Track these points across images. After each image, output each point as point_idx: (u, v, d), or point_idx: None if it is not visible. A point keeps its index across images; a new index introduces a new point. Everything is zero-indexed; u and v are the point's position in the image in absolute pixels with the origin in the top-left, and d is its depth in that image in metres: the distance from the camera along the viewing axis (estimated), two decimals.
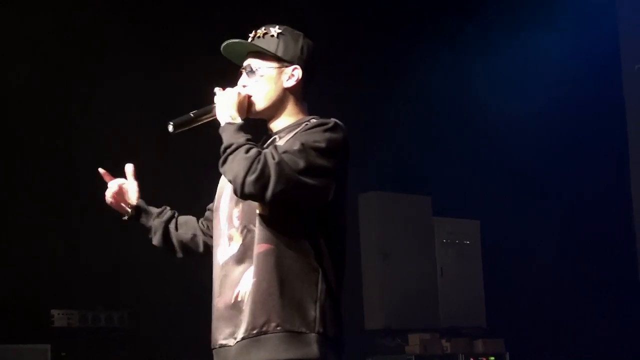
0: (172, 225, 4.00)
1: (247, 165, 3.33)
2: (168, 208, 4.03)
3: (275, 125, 3.71)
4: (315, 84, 3.78)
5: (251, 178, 3.30)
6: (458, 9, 9.47)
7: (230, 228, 3.62)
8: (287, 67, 3.66)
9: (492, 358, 9.03)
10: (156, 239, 4.01)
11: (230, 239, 3.61)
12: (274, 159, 3.33)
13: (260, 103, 3.67)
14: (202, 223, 4.01)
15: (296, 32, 3.75)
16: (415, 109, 9.47)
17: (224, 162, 3.44)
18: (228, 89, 3.68)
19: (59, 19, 7.62)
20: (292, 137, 3.54)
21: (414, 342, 8.90)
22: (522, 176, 9.70)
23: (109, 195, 3.95)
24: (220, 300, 3.58)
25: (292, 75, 3.66)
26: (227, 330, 3.51)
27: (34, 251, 7.51)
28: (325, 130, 3.46)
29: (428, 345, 8.89)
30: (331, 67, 9.01)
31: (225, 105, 3.61)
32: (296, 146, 3.39)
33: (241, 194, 3.39)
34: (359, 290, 9.14)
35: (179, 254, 4.03)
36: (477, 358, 8.97)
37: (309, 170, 3.36)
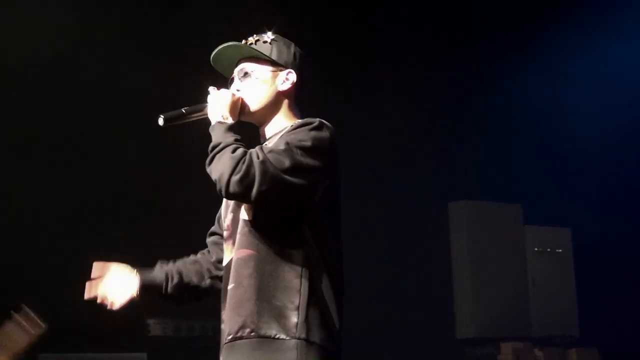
0: (189, 286, 3.80)
1: (233, 165, 3.31)
2: (171, 273, 3.83)
3: (267, 130, 3.69)
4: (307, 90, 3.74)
5: (236, 178, 3.28)
6: (551, 18, 9.40)
7: (225, 236, 3.61)
8: (281, 70, 3.66)
9: None
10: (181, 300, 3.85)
11: (226, 245, 3.59)
12: (258, 158, 3.31)
13: (254, 104, 3.67)
14: (209, 257, 3.85)
15: (287, 39, 3.76)
16: (506, 118, 9.42)
17: (211, 161, 3.42)
18: (222, 90, 3.67)
19: None
20: (278, 138, 3.51)
21: (507, 351, 8.86)
22: (613, 184, 9.60)
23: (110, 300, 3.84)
24: (222, 304, 3.56)
25: (287, 79, 3.66)
26: (223, 334, 3.49)
27: (130, 262, 7.80)
28: (311, 130, 3.44)
29: (521, 355, 8.86)
30: (420, 77, 9.09)
31: (218, 105, 3.60)
32: (281, 146, 3.38)
33: (226, 194, 3.36)
34: (449, 299, 9.14)
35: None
36: None
37: (294, 169, 3.33)
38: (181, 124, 3.68)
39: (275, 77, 3.68)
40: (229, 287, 3.48)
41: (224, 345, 3.49)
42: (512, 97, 9.34)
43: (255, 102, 3.68)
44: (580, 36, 9.33)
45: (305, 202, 3.42)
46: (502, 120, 9.41)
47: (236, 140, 3.44)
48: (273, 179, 3.29)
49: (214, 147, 3.44)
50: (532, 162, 9.41)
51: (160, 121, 3.62)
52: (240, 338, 3.40)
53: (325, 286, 3.41)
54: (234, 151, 3.36)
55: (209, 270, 3.82)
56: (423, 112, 9.08)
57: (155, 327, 7.94)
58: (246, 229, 3.47)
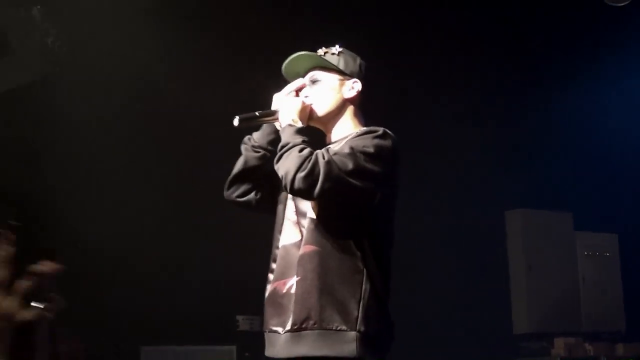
0: (242, 186, 3.87)
1: (299, 163, 3.36)
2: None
3: (333, 134, 3.77)
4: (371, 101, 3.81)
5: (301, 175, 3.34)
6: (598, 46, 9.40)
7: (291, 215, 3.68)
8: (348, 79, 3.76)
9: None
10: (246, 158, 3.86)
11: (292, 224, 3.67)
12: (324, 158, 3.36)
13: (322, 110, 3.75)
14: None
15: (352, 53, 3.86)
16: (559, 134, 9.63)
17: (279, 159, 3.49)
18: (291, 96, 3.76)
19: None
20: (343, 143, 3.57)
21: (560, 345, 9.07)
22: None
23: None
24: (275, 284, 3.64)
25: (352, 87, 3.75)
26: (277, 318, 3.57)
27: (221, 265, 7.99)
28: (375, 137, 3.49)
29: (572, 349, 9.05)
30: (481, 90, 9.16)
31: (288, 110, 3.67)
32: (346, 149, 3.44)
33: (290, 190, 3.41)
34: (507, 299, 9.40)
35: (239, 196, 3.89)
36: None
37: (357, 172, 3.39)
38: (253, 126, 3.80)
39: (342, 85, 3.76)
40: (296, 278, 3.53)
41: (287, 333, 3.52)
42: (565, 114, 9.46)
43: (323, 107, 3.75)
44: (623, 62, 9.43)
45: (365, 204, 3.48)
46: (555, 135, 9.63)
47: (304, 141, 3.49)
48: (336, 178, 3.35)
49: (282, 147, 3.51)
50: (582, 174, 9.55)
51: (235, 121, 3.66)
52: (305, 329, 3.46)
53: (380, 284, 3.51)
54: (301, 150, 3.41)
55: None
56: (483, 127, 9.20)
57: (243, 322, 8.24)
58: (312, 226, 3.54)
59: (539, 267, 9.41)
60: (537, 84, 9.57)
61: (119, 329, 7.75)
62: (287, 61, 3.81)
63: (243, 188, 3.88)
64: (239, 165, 3.87)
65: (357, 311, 3.43)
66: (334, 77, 3.77)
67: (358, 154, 3.43)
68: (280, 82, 3.88)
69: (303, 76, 3.84)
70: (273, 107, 3.76)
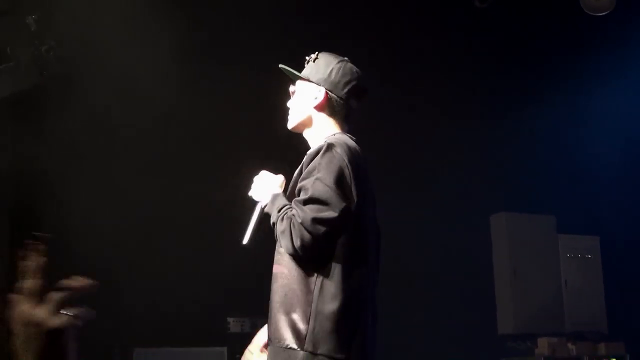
0: None
1: (287, 236, 3.45)
2: None
3: (310, 142, 3.86)
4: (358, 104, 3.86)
5: (298, 245, 3.43)
6: (582, 45, 9.32)
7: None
8: (314, 88, 3.82)
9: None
10: None
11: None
12: (299, 218, 3.43)
13: (291, 120, 3.87)
14: None
15: (334, 57, 3.87)
16: (541, 139, 9.66)
17: (278, 239, 3.57)
18: (263, 174, 3.81)
19: None
20: (302, 172, 3.60)
21: (543, 345, 9.07)
22: (637, 197, 9.65)
23: None
24: None
25: (317, 96, 3.80)
26: None
27: (211, 267, 7.99)
28: (322, 156, 3.54)
29: (556, 348, 9.05)
30: (462, 96, 9.11)
31: (260, 190, 3.75)
32: (307, 189, 3.49)
33: (303, 258, 3.49)
34: (492, 300, 9.43)
35: None
36: None
37: (328, 202, 3.44)
38: (261, 230, 3.77)
39: (308, 95, 3.83)
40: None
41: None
42: (548, 119, 9.47)
43: (292, 118, 3.87)
44: (606, 70, 9.45)
45: (349, 223, 3.51)
46: (537, 141, 9.66)
47: (279, 209, 3.56)
48: (318, 225, 3.41)
49: (273, 224, 3.59)
50: (564, 178, 9.59)
51: (246, 243, 3.74)
52: (267, 346, 3.60)
53: (340, 300, 3.45)
54: (281, 222, 3.50)
55: None
56: (467, 132, 9.24)
57: (234, 324, 8.29)
58: (277, 247, 3.63)
59: (523, 269, 9.44)
60: (521, 91, 9.58)
61: (111, 331, 7.72)
62: (280, 67, 3.90)
63: None
64: None
65: (306, 330, 3.45)
66: (303, 88, 3.86)
67: (316, 184, 3.49)
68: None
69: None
70: (256, 201, 3.79)
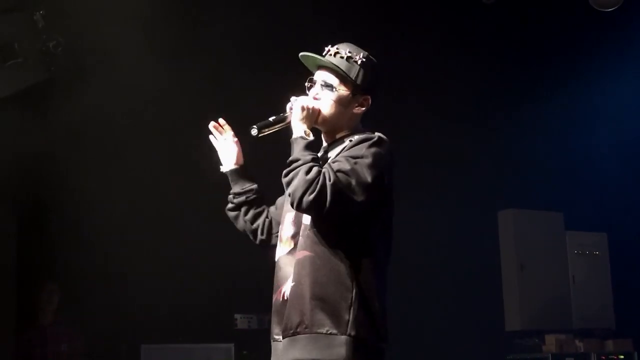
0: (243, 210, 4.02)
1: (307, 185, 3.38)
2: (254, 190, 4.02)
3: (329, 137, 3.77)
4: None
5: (309, 198, 3.36)
6: (591, 41, 9.26)
7: (287, 230, 3.69)
8: (360, 94, 3.71)
9: (622, 357, 9.07)
10: (226, 209, 4.09)
11: (286, 239, 3.68)
12: (329, 180, 3.36)
13: (327, 120, 3.72)
14: (266, 217, 4.02)
15: (374, 61, 3.76)
16: (549, 135, 9.62)
17: (287, 174, 3.49)
18: (306, 99, 3.71)
19: None
20: (340, 152, 3.56)
21: (551, 342, 9.05)
22: None
23: (219, 137, 4.04)
24: (275, 296, 3.64)
25: (363, 104, 3.72)
26: (278, 327, 3.58)
27: (219, 264, 8.04)
28: (370, 146, 3.48)
29: (563, 345, 9.03)
30: (470, 92, 9.10)
31: (300, 119, 3.64)
32: (346, 164, 3.42)
33: (297, 209, 3.45)
34: (499, 297, 9.39)
35: (241, 230, 4.08)
36: (607, 357, 9.03)
37: (360, 186, 3.39)
38: (269, 134, 3.73)
39: (353, 100, 3.69)
40: (291, 284, 3.53)
41: (285, 339, 3.53)
42: (557, 115, 9.45)
43: (331, 118, 3.71)
44: (614, 66, 9.40)
45: (369, 214, 3.49)
46: (547, 136, 9.62)
47: (313, 159, 3.48)
48: (342, 199, 3.37)
49: (291, 162, 3.50)
50: (572, 174, 9.56)
51: (254, 131, 3.68)
52: (298, 333, 3.46)
53: (374, 288, 3.48)
54: (309, 170, 3.41)
55: (262, 225, 4.00)
56: (476, 128, 9.26)
57: (241, 321, 8.37)
58: (307, 232, 3.54)
59: (530, 265, 9.41)
60: (530, 87, 9.55)
61: (118, 327, 7.83)
62: (306, 55, 3.78)
63: (254, 235, 4.05)
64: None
65: (348, 315, 3.42)
66: (348, 90, 3.71)
67: (358, 167, 3.43)
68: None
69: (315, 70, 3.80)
70: (288, 111, 3.74)
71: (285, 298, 3.55)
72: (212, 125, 4.07)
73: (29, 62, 6.43)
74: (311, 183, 3.39)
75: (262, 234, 4.00)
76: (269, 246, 3.95)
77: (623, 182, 9.70)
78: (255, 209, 4.04)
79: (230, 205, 4.08)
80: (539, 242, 9.56)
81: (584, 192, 9.62)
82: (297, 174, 3.45)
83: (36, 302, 7.26)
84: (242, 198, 4.03)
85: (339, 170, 3.42)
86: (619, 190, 9.68)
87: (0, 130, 6.51)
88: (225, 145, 4.06)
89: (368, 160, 3.45)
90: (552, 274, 9.57)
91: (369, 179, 3.42)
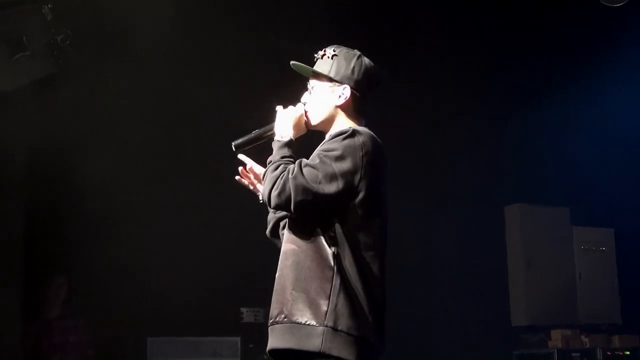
0: (282, 222, 3.92)
1: (272, 182, 3.48)
2: None
3: (328, 136, 3.74)
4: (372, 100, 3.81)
5: (275, 193, 3.46)
6: (599, 37, 9.16)
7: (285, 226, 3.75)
8: (338, 86, 3.75)
9: (628, 352, 9.11)
10: (268, 231, 3.99)
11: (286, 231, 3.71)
12: (292, 174, 3.43)
13: (314, 119, 3.81)
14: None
15: (351, 52, 3.82)
16: (555, 131, 9.60)
17: (263, 177, 3.64)
18: (289, 108, 3.80)
19: None
20: (318, 148, 3.61)
21: (556, 337, 9.10)
22: None
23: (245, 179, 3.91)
24: (274, 285, 3.65)
25: (342, 94, 3.74)
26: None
27: (225, 258, 8.03)
28: (344, 139, 3.51)
29: (569, 340, 9.08)
30: (478, 87, 9.01)
31: (282, 123, 3.74)
32: (315, 158, 3.50)
33: (269, 206, 3.56)
34: (505, 292, 9.44)
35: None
36: (614, 352, 9.07)
37: (326, 178, 3.43)
38: (254, 146, 3.81)
39: (332, 92, 3.76)
40: (277, 275, 3.60)
41: (269, 328, 3.57)
42: (564, 110, 9.39)
43: (315, 116, 3.80)
44: (623, 60, 9.28)
45: (340, 205, 3.48)
46: (553, 132, 9.59)
47: (283, 157, 3.58)
48: (305, 191, 3.42)
49: (267, 164, 3.61)
50: (579, 170, 9.48)
51: (233, 148, 3.79)
52: (277, 322, 3.49)
53: (357, 280, 3.47)
54: (275, 169, 3.52)
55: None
56: (483, 123, 9.24)
57: (247, 314, 8.36)
58: (290, 224, 3.63)
59: (536, 261, 9.45)
60: (536, 82, 9.53)
61: (125, 320, 7.82)
62: (295, 65, 3.84)
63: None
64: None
65: (327, 306, 3.42)
66: (325, 85, 3.79)
67: (326, 159, 3.48)
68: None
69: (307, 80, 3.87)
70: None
71: (274, 289, 3.59)
72: (238, 178, 3.97)
73: (38, 55, 6.43)
74: (276, 179, 3.48)
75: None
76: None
77: (630, 178, 9.68)
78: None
79: (269, 228, 4.00)
80: (545, 237, 9.60)
81: (590, 187, 9.59)
82: (268, 173, 3.56)
83: (43, 295, 7.26)
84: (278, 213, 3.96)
85: (307, 165, 3.48)
86: (625, 187, 9.65)
87: (9, 122, 6.50)
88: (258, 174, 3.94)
89: (337, 152, 3.49)
90: (558, 270, 9.60)
91: (335, 170, 3.46)
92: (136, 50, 7.12)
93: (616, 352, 9.16)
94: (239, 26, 7.99)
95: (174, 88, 7.66)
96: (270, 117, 3.83)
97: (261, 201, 3.78)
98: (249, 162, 3.92)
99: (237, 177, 3.95)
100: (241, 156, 3.93)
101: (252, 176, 3.93)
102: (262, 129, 3.82)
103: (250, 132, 3.84)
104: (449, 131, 9.22)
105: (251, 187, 3.96)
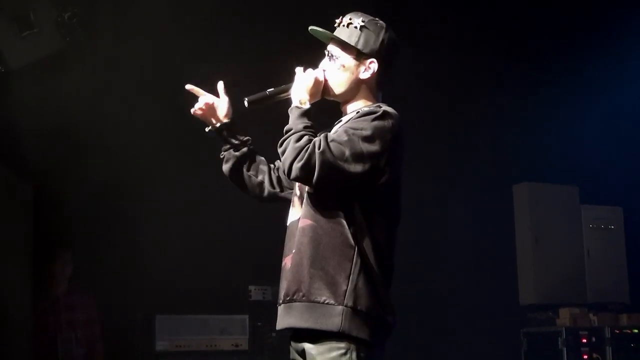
0: (245, 164, 3.96)
1: (296, 153, 3.38)
2: (250, 142, 3.98)
3: (347, 109, 3.75)
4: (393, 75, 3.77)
5: (298, 165, 3.36)
6: (614, 12, 9.24)
7: (297, 196, 3.70)
8: (365, 59, 3.68)
9: (636, 331, 9.00)
10: (225, 168, 3.99)
11: (297, 205, 3.67)
12: (319, 148, 3.36)
13: (336, 89, 3.71)
14: (273, 171, 3.98)
15: (379, 24, 3.72)
16: (565, 106, 9.48)
17: (281, 144, 3.52)
18: (308, 71, 3.71)
19: None
20: (344, 123, 3.58)
21: (564, 315, 9.00)
22: None
23: (197, 107, 3.95)
24: (283, 261, 3.63)
25: (369, 68, 3.68)
26: (282, 292, 3.57)
27: (234, 235, 8.10)
28: (373, 119, 3.46)
29: (577, 319, 8.98)
30: (486, 66, 9.04)
31: (300, 87, 3.65)
32: (343, 135, 3.42)
33: (288, 177, 3.46)
34: (513, 270, 9.37)
35: (243, 190, 4.02)
36: (622, 331, 8.95)
37: (353, 157, 3.37)
38: (266, 105, 3.77)
39: (358, 66, 3.68)
40: (293, 252, 3.53)
41: (282, 305, 3.55)
42: (572, 87, 9.32)
43: (337, 86, 3.71)
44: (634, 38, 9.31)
45: (364, 186, 3.45)
46: (562, 109, 9.49)
47: (306, 127, 3.50)
48: (331, 167, 3.35)
49: (286, 131, 3.52)
50: (588, 148, 9.47)
51: (245, 103, 3.73)
52: (295, 300, 3.46)
53: (375, 261, 3.45)
54: (299, 139, 3.43)
55: (268, 177, 3.96)
56: (490, 100, 9.24)
57: (256, 292, 8.33)
58: (309, 200, 3.55)
59: (545, 239, 9.37)
60: (546, 58, 9.49)
61: (133, 298, 7.86)
62: (314, 30, 3.76)
63: (260, 189, 4.00)
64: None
65: (346, 285, 3.39)
66: (350, 57, 3.71)
67: (355, 138, 3.42)
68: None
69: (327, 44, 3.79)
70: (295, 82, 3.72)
71: (288, 265, 3.55)
72: (188, 87, 4.01)
73: (45, 32, 6.41)
74: (300, 151, 3.40)
75: (271, 185, 3.97)
76: (278, 199, 3.95)
77: (639, 156, 9.65)
78: (256, 161, 4.01)
79: (230, 163, 3.99)
80: (553, 215, 9.51)
81: (599, 165, 9.55)
82: (289, 142, 3.46)
83: (50, 271, 7.28)
84: (244, 149, 3.98)
85: (333, 140, 3.41)
86: (634, 165, 9.63)
87: (16, 100, 6.49)
88: (212, 104, 3.98)
89: (367, 132, 3.43)
90: (566, 248, 9.53)
91: (364, 150, 3.41)
92: (146, 27, 7.09)
93: (624, 331, 9.04)
94: None
95: (183, 65, 7.61)
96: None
97: (208, 130, 3.95)
98: (202, 94, 3.96)
99: (192, 110, 3.96)
100: (190, 86, 3.98)
101: (205, 108, 3.94)
102: (278, 89, 3.76)
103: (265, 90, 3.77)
104: (458, 109, 9.19)
105: (202, 118, 3.97)
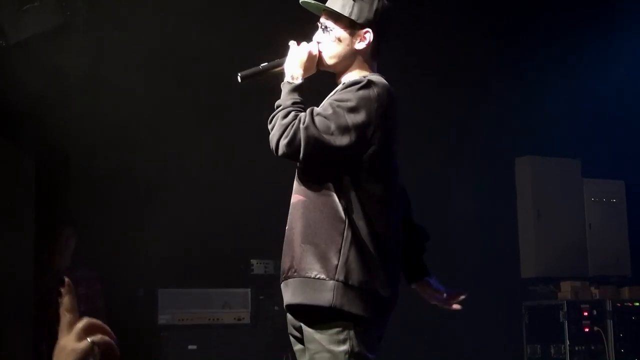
0: None
1: (282, 130, 3.36)
2: None
3: (342, 79, 3.68)
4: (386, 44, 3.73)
5: (284, 142, 3.34)
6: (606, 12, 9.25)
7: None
8: (359, 30, 3.62)
9: (637, 304, 9.01)
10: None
11: (295, 181, 3.65)
12: (303, 123, 3.33)
13: (331, 61, 3.66)
14: None
15: None
16: (568, 80, 9.36)
17: (270, 120, 3.50)
18: (302, 44, 3.66)
19: None
20: (331, 96, 3.55)
21: (566, 288, 9.04)
22: None
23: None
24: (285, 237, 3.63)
25: (364, 38, 3.62)
26: (281, 269, 3.61)
27: (236, 209, 8.02)
28: (358, 89, 3.42)
29: (579, 292, 9.01)
30: (490, 44, 8.98)
31: (294, 61, 3.61)
32: (328, 108, 3.39)
33: (276, 154, 3.43)
34: (515, 244, 9.41)
35: None
36: (623, 304, 8.97)
37: (339, 130, 3.34)
38: (260, 79, 3.74)
39: (352, 36, 3.62)
40: (287, 227, 3.57)
41: (282, 282, 3.56)
42: (576, 61, 9.30)
43: (331, 59, 3.66)
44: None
45: (353, 158, 3.43)
46: (565, 83, 9.39)
47: (294, 103, 3.47)
48: (317, 142, 3.33)
49: (275, 107, 3.52)
50: (590, 121, 9.43)
51: (238, 79, 3.69)
52: (289, 277, 3.48)
53: (367, 234, 3.41)
54: (286, 115, 3.41)
55: None
56: (493, 74, 9.17)
57: (258, 266, 8.29)
58: (298, 176, 3.56)
59: (547, 212, 9.37)
60: (548, 34, 9.44)
61: (136, 272, 7.84)
62: (305, 2, 3.71)
63: None
64: None
65: (337, 260, 3.37)
66: (345, 28, 3.64)
67: (339, 110, 3.38)
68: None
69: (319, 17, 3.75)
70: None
71: (285, 242, 3.56)
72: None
73: (45, 6, 6.38)
74: (286, 127, 3.37)
75: None
76: None
77: None
78: None
79: None
80: (555, 189, 9.52)
81: (601, 139, 9.54)
82: (276, 119, 3.44)
83: (52, 246, 7.27)
84: None
85: (319, 114, 3.38)
86: (637, 138, 9.59)
87: (17, 74, 6.46)
88: None
89: (351, 103, 3.39)
90: (568, 221, 9.54)
91: (349, 122, 3.36)
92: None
93: (626, 304, 9.06)
94: None
95: (185, 37, 7.59)
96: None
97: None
98: None
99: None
100: None
101: None
102: (271, 63, 3.72)
103: (258, 65, 3.75)
104: (459, 82, 9.13)
105: None
